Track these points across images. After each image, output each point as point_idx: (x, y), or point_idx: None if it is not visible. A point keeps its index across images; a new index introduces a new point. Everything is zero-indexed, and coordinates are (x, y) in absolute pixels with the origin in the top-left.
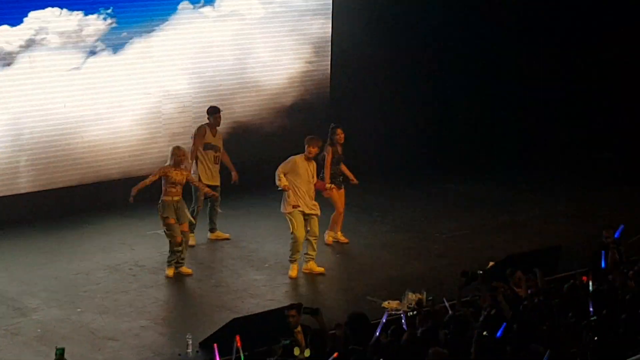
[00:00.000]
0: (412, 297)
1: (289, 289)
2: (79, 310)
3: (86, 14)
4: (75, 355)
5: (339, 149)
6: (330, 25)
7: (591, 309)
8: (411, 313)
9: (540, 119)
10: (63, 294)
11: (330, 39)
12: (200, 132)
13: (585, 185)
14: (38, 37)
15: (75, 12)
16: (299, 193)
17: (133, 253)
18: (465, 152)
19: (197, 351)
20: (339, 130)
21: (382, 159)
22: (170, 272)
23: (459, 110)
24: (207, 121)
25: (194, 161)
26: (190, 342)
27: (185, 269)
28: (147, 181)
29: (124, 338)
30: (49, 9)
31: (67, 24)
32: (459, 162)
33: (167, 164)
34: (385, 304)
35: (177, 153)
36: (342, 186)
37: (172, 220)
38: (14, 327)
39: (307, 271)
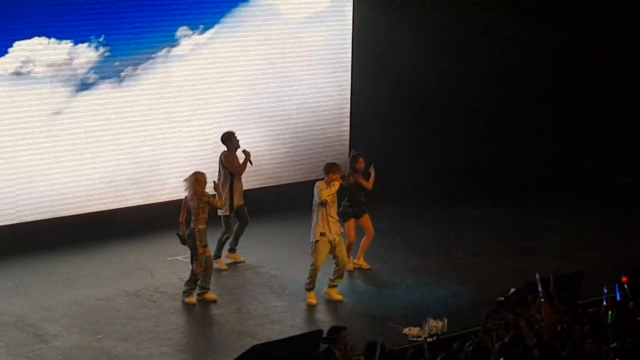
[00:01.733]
0: (433, 323)
1: (309, 316)
2: (99, 336)
3: (76, 43)
4: None
5: (358, 177)
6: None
7: (611, 337)
8: (431, 339)
9: (563, 144)
10: (84, 320)
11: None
12: (230, 158)
13: (608, 211)
14: (24, 69)
15: (65, 42)
16: (328, 219)
17: (153, 279)
18: (486, 177)
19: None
20: (361, 159)
21: (403, 183)
22: (191, 299)
23: (480, 135)
24: (226, 148)
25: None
26: None
27: (209, 295)
28: (183, 218)
29: None
30: (36, 38)
31: (56, 54)
32: (479, 186)
33: (190, 192)
34: (406, 330)
35: (201, 179)
36: (365, 213)
37: (203, 249)
38: (34, 353)
39: (326, 296)
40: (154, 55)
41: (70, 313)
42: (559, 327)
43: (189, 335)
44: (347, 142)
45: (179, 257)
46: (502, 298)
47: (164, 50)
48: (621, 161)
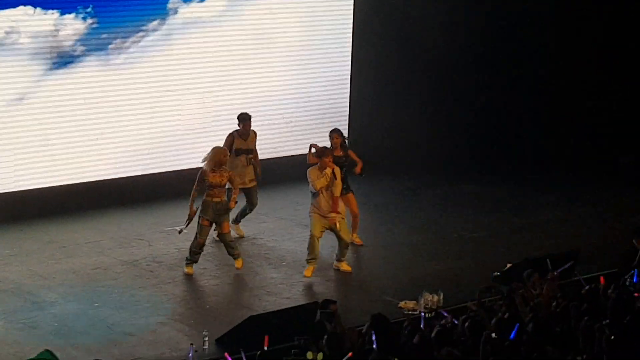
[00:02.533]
0: (428, 297)
1: (305, 288)
2: (96, 304)
3: (62, 14)
4: (91, 350)
5: (339, 153)
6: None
7: (609, 313)
8: (429, 314)
9: (562, 121)
10: (81, 288)
11: (351, 41)
12: (227, 141)
13: (606, 188)
14: (8, 40)
15: (51, 12)
16: (327, 203)
17: (151, 249)
18: (484, 153)
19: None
20: (335, 135)
21: (402, 159)
22: (189, 269)
23: (479, 111)
24: (237, 127)
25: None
26: (206, 338)
27: (240, 262)
28: (194, 194)
29: (140, 333)
30: (21, 7)
31: (42, 25)
32: (478, 163)
33: (205, 167)
34: (402, 304)
35: (219, 153)
36: (349, 192)
37: (205, 222)
38: (31, 320)
39: (335, 267)
40: (144, 27)
41: (68, 281)
42: (554, 304)
43: (186, 305)
44: (347, 113)
45: (177, 228)
46: (498, 273)
47: (155, 22)
48: (620, 140)
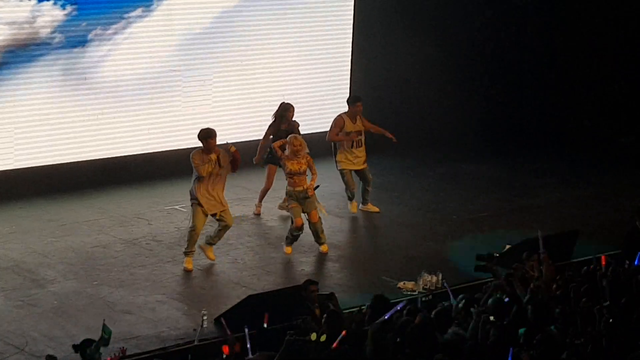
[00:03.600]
0: (427, 278)
1: (305, 267)
2: (95, 283)
3: (40, 1)
4: (91, 328)
5: (287, 126)
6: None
7: (608, 295)
8: (426, 298)
9: (562, 102)
10: (80, 266)
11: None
12: (338, 123)
13: (605, 169)
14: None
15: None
16: (207, 194)
17: (151, 227)
18: (484, 133)
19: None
20: (291, 108)
21: (402, 139)
22: (287, 249)
23: (480, 92)
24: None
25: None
26: (205, 317)
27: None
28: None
29: (139, 312)
30: None
31: (18, 12)
32: (478, 143)
33: (285, 153)
34: (400, 284)
35: (294, 143)
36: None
37: (293, 205)
38: (30, 298)
39: (201, 248)
40: (126, 16)
41: (67, 259)
42: (554, 286)
43: (185, 284)
44: (347, 93)
45: (177, 207)
46: (497, 254)
47: (138, 10)
48: (619, 121)
